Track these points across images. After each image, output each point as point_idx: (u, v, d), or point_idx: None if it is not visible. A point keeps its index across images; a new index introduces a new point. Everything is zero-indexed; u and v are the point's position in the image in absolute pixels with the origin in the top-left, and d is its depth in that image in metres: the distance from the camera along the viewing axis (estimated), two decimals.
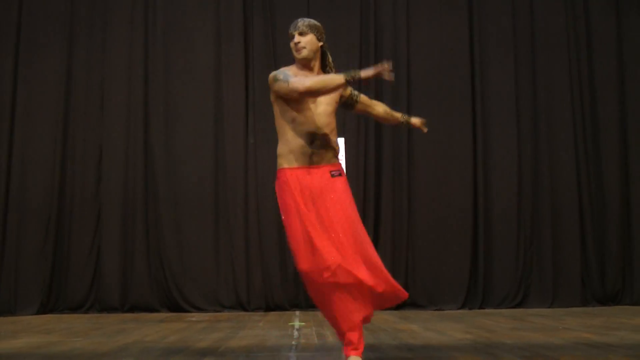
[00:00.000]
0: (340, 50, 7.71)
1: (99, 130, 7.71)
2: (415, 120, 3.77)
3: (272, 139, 7.51)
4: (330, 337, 4.63)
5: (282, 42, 7.79)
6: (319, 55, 3.46)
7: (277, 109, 3.44)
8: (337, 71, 3.43)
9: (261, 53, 7.78)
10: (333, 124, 3.44)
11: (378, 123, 7.64)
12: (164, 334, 4.96)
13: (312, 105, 3.38)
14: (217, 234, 7.56)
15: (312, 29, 3.41)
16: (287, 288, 7.43)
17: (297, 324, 5.65)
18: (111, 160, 7.65)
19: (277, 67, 7.96)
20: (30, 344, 4.36)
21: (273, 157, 7.55)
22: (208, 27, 7.88)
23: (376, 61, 7.69)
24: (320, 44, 3.44)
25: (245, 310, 7.32)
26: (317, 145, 3.37)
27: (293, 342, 4.36)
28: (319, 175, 3.35)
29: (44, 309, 7.26)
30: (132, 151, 7.66)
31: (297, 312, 7.04)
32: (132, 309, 7.36)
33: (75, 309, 7.38)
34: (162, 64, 7.78)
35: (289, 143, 3.39)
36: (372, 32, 7.79)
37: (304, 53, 3.40)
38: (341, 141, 6.54)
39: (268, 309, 7.33)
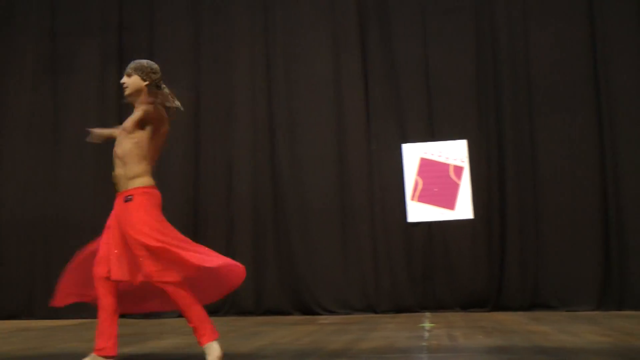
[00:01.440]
0: (456, 53, 7.68)
1: (227, 144, 8.08)
2: None
3: (392, 144, 7.62)
4: (462, 338, 4.63)
5: (399, 48, 7.86)
6: (143, 93, 3.74)
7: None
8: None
9: (378, 60, 7.87)
10: (132, 153, 3.70)
11: (499, 122, 7.51)
12: (297, 336, 5.11)
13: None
14: (344, 238, 7.71)
15: (136, 70, 3.75)
16: (416, 290, 7.46)
17: (427, 325, 5.68)
18: (240, 172, 8.00)
19: (395, 74, 8.05)
20: (175, 345, 4.64)
21: (395, 160, 7.66)
22: (325, 38, 8.06)
23: (494, 62, 7.61)
24: (146, 82, 3.75)
25: (374, 312, 7.42)
26: (116, 174, 3.75)
27: (424, 344, 4.39)
28: (117, 203, 3.74)
29: None
30: (259, 162, 7.96)
31: (427, 314, 7.05)
32: (266, 312, 7.65)
33: (213, 312, 7.70)
34: (282, 77, 8.05)
35: None
36: (487, 33, 7.67)
37: (126, 92, 3.78)
38: (463, 143, 6.52)
39: (397, 310, 7.39)
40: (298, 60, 8.08)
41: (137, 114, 3.71)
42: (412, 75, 7.80)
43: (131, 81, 3.76)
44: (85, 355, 3.66)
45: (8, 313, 8.06)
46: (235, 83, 8.17)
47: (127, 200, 3.66)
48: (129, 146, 3.71)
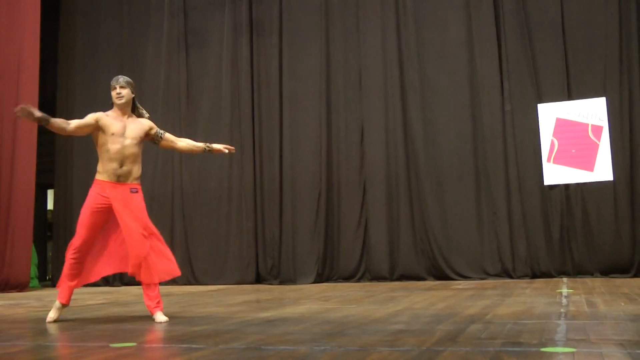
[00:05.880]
0: (596, 5, 7.29)
1: (359, 111, 8.14)
2: (217, 147, 4.58)
3: (527, 104, 7.36)
4: (602, 305, 4.47)
5: (533, 3, 7.55)
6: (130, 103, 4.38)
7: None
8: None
9: (511, 17, 7.60)
10: (140, 156, 4.35)
11: None
12: (432, 301, 5.11)
13: (119, 139, 4.26)
14: (478, 203, 7.60)
15: (128, 84, 4.32)
16: (553, 255, 7.26)
17: (565, 291, 5.52)
18: (372, 138, 8.04)
19: (530, 31, 7.67)
20: (311, 310, 4.76)
21: (530, 121, 7.41)
22: (457, 0, 7.90)
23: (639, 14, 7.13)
24: (133, 95, 4.36)
25: (510, 277, 7.30)
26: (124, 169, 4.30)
27: (562, 310, 4.27)
28: (121, 190, 4.25)
29: (320, 279, 7.90)
30: (391, 128, 7.96)
31: (565, 279, 6.85)
32: (401, 277, 7.70)
33: (347, 278, 7.91)
34: (414, 41, 7.97)
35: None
36: None
37: (122, 101, 4.30)
38: (602, 101, 6.22)
39: (534, 276, 7.24)
40: (429, 22, 7.97)
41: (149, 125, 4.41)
42: (547, 31, 7.48)
43: (125, 92, 4.32)
44: (228, 319, 3.84)
45: None
46: (365, 49, 8.17)
47: (133, 192, 4.30)
48: (138, 150, 4.33)
